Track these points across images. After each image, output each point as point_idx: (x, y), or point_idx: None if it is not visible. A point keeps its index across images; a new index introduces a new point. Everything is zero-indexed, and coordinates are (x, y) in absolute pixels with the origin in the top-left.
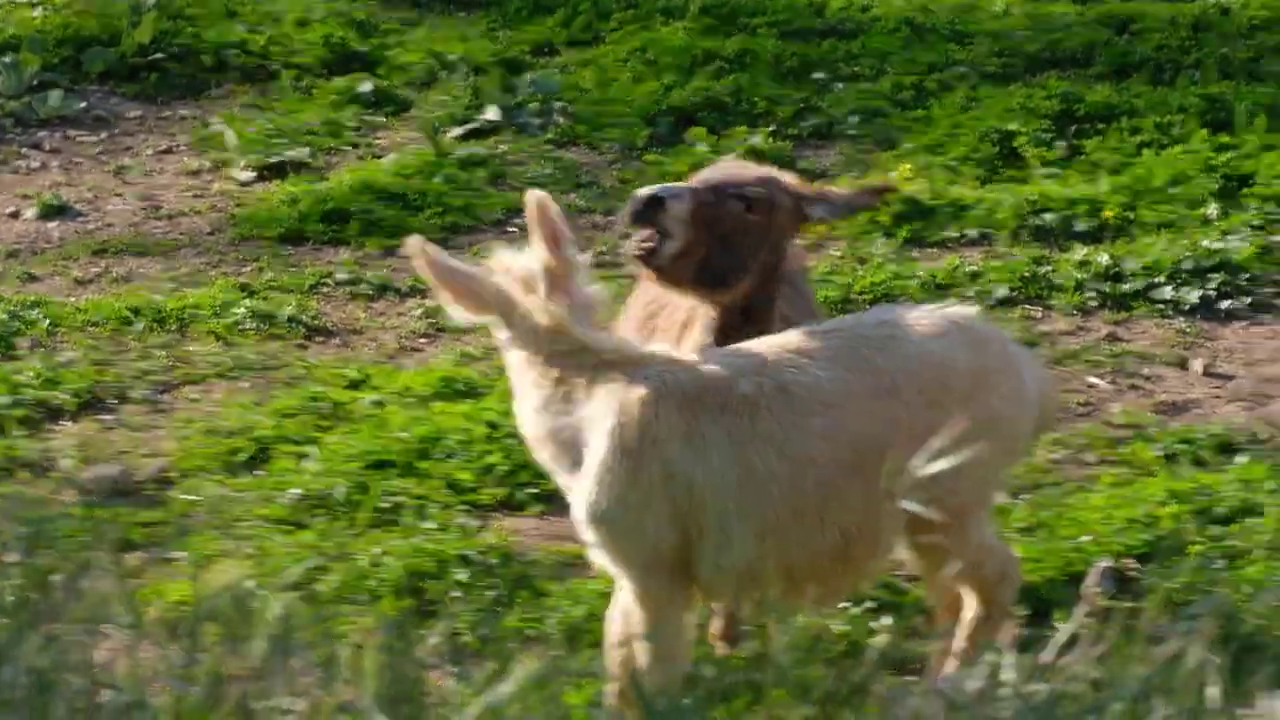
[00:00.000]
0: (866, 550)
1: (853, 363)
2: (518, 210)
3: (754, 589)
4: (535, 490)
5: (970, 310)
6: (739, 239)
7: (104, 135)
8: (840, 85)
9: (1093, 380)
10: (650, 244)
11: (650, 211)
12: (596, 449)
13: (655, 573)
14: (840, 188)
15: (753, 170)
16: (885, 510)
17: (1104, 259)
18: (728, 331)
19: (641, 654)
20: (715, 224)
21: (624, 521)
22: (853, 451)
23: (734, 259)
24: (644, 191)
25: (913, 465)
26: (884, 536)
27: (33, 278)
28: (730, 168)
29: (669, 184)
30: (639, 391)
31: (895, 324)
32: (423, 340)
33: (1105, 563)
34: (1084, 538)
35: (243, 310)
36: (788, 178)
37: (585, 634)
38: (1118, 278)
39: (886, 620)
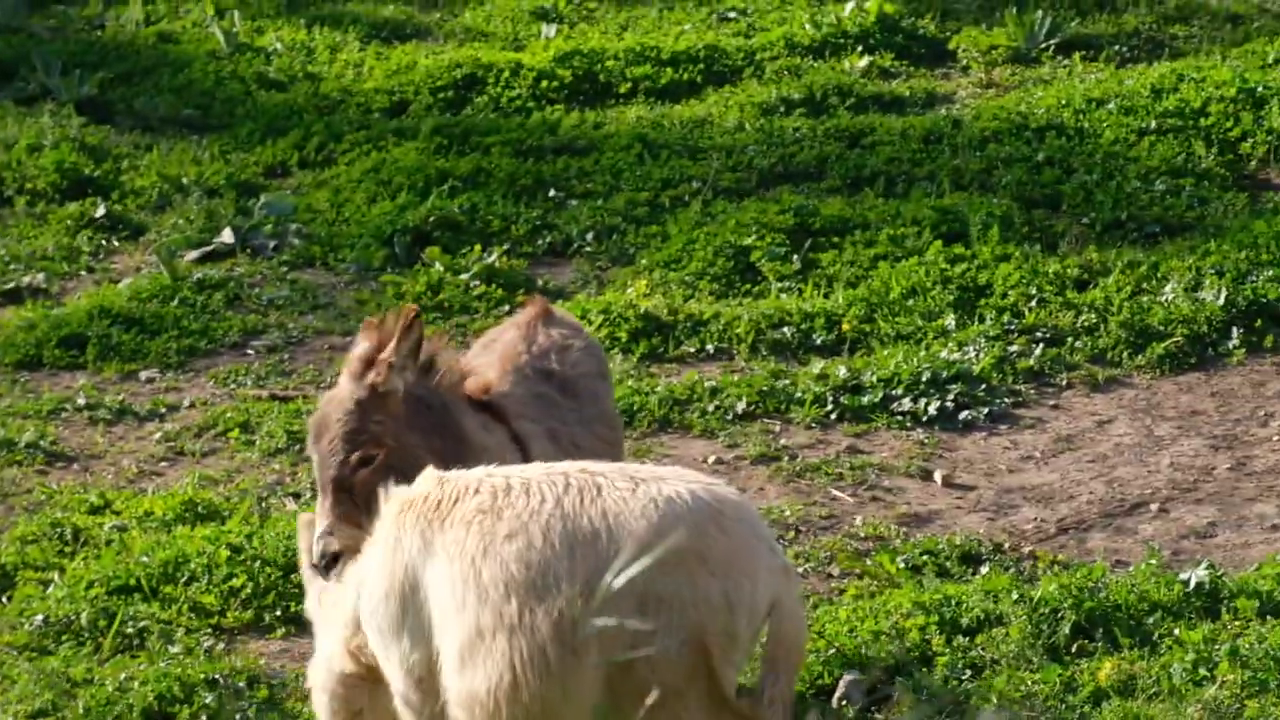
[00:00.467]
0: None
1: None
2: (255, 332)
3: None
4: (279, 613)
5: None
6: (373, 484)
7: None
8: (574, 202)
9: (835, 493)
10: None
11: (329, 564)
12: None
13: None
14: (390, 345)
15: (334, 419)
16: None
17: (842, 372)
18: None
19: None
20: (360, 500)
21: None
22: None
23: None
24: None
25: None
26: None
27: None
28: (323, 438)
29: (317, 528)
30: None
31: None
32: (163, 464)
33: (852, 675)
34: (830, 651)
35: None
36: (350, 387)
37: None
38: (856, 390)
39: None
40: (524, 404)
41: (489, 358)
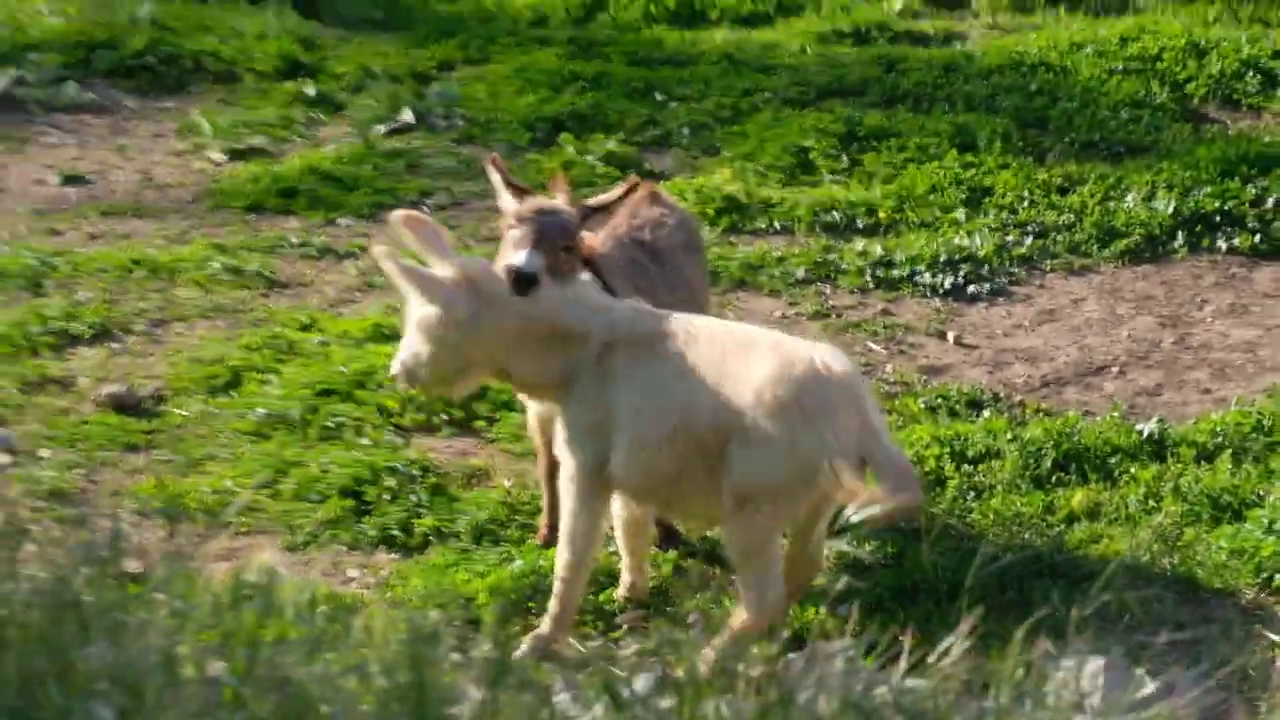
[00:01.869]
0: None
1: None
2: (428, 193)
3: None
4: (446, 417)
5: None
6: (568, 267)
7: (108, 120)
8: (674, 104)
9: (871, 346)
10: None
11: (523, 284)
12: None
13: None
14: (601, 196)
15: (561, 214)
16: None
17: (878, 250)
18: None
19: None
20: (556, 270)
21: None
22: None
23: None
24: (514, 267)
25: None
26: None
27: (55, 232)
28: (545, 214)
29: (523, 254)
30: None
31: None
32: (357, 293)
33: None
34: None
35: (218, 264)
36: (565, 203)
37: (487, 532)
38: (889, 265)
39: None
40: (617, 264)
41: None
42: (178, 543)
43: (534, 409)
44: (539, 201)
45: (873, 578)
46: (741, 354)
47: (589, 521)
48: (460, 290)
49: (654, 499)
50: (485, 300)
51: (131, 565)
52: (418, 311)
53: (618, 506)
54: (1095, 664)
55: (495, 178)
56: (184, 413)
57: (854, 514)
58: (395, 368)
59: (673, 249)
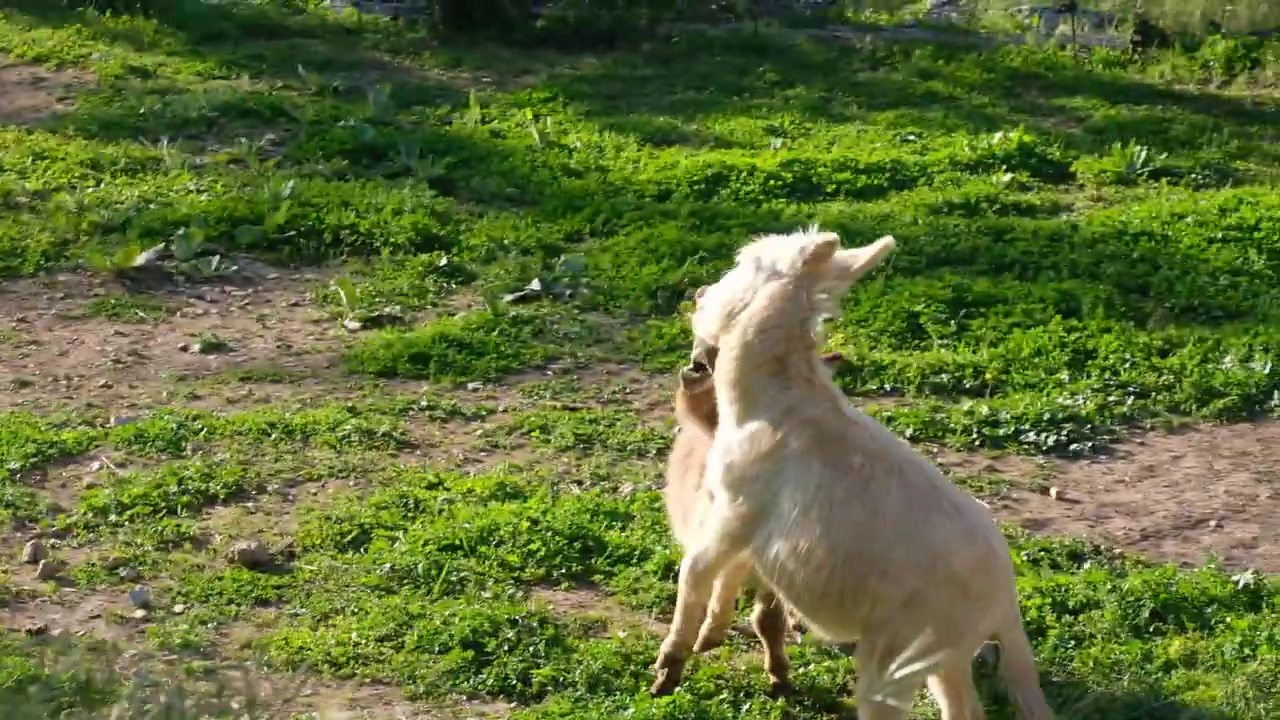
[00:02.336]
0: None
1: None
2: (553, 358)
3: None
4: (564, 570)
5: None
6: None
7: (250, 291)
8: None
9: (977, 501)
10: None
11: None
12: None
13: None
14: None
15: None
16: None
17: (984, 410)
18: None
19: None
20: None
21: None
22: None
23: None
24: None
25: None
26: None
27: (196, 397)
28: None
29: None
30: None
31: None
32: (482, 454)
33: (988, 642)
34: None
35: (350, 427)
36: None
37: (602, 681)
38: (995, 424)
39: None
40: None
41: None
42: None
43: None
44: None
45: None
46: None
47: None
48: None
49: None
50: None
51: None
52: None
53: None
54: None
55: None
56: (313, 568)
57: None
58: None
59: None
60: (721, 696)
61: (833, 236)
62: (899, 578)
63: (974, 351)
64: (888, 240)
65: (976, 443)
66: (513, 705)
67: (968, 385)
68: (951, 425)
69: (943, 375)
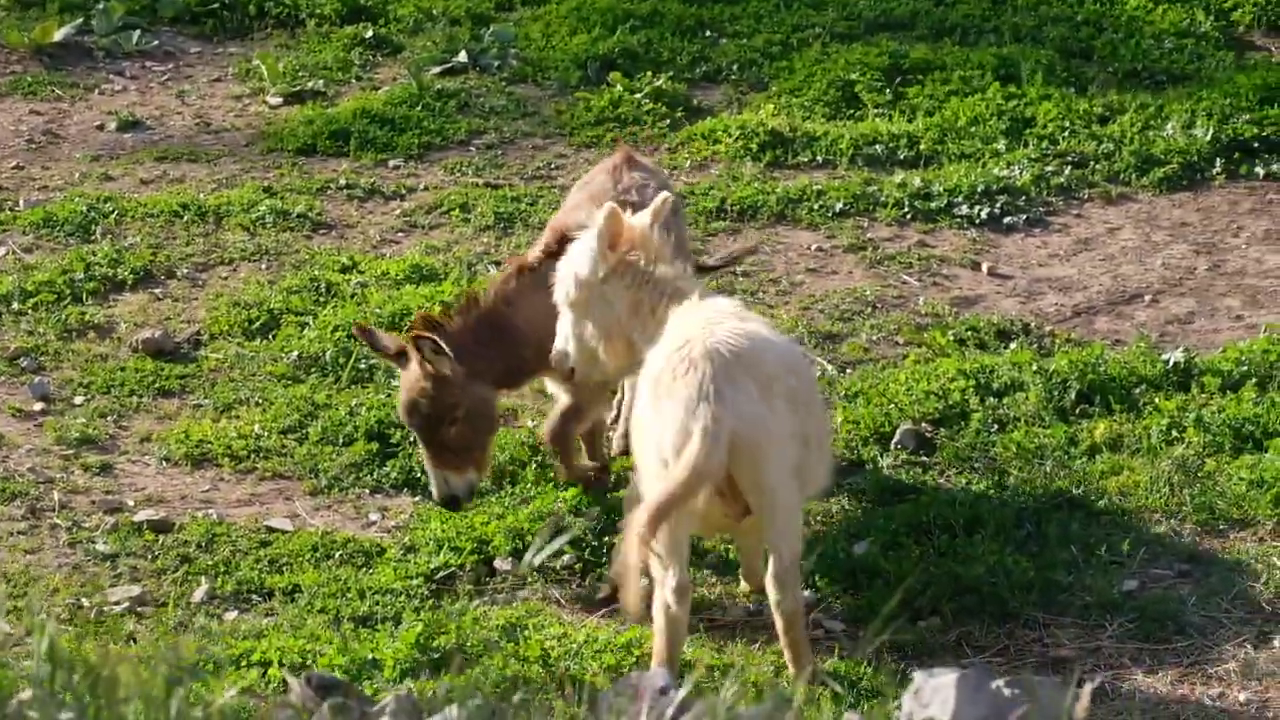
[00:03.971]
0: None
1: None
2: (478, 133)
3: None
4: None
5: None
6: (469, 425)
7: (170, 67)
8: (724, 40)
9: (905, 278)
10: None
11: (457, 505)
12: None
13: None
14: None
15: (412, 393)
16: None
17: (917, 182)
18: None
19: None
20: (461, 444)
21: None
22: None
23: (478, 426)
24: (437, 500)
25: None
26: None
27: (109, 178)
28: (411, 410)
29: (430, 475)
30: None
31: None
32: (400, 234)
33: (906, 425)
34: (890, 405)
35: (265, 208)
36: (414, 371)
37: (508, 473)
38: (927, 196)
39: None
40: None
41: (581, 195)
42: None
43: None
44: None
45: (891, 513)
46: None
47: None
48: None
49: None
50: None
51: None
52: (569, 288)
53: None
54: (945, 679)
55: None
56: (219, 356)
57: None
58: (554, 354)
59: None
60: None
61: (610, 207)
62: None
63: (910, 121)
64: (663, 195)
65: (908, 216)
66: (416, 499)
67: (902, 156)
68: (883, 199)
69: (876, 146)
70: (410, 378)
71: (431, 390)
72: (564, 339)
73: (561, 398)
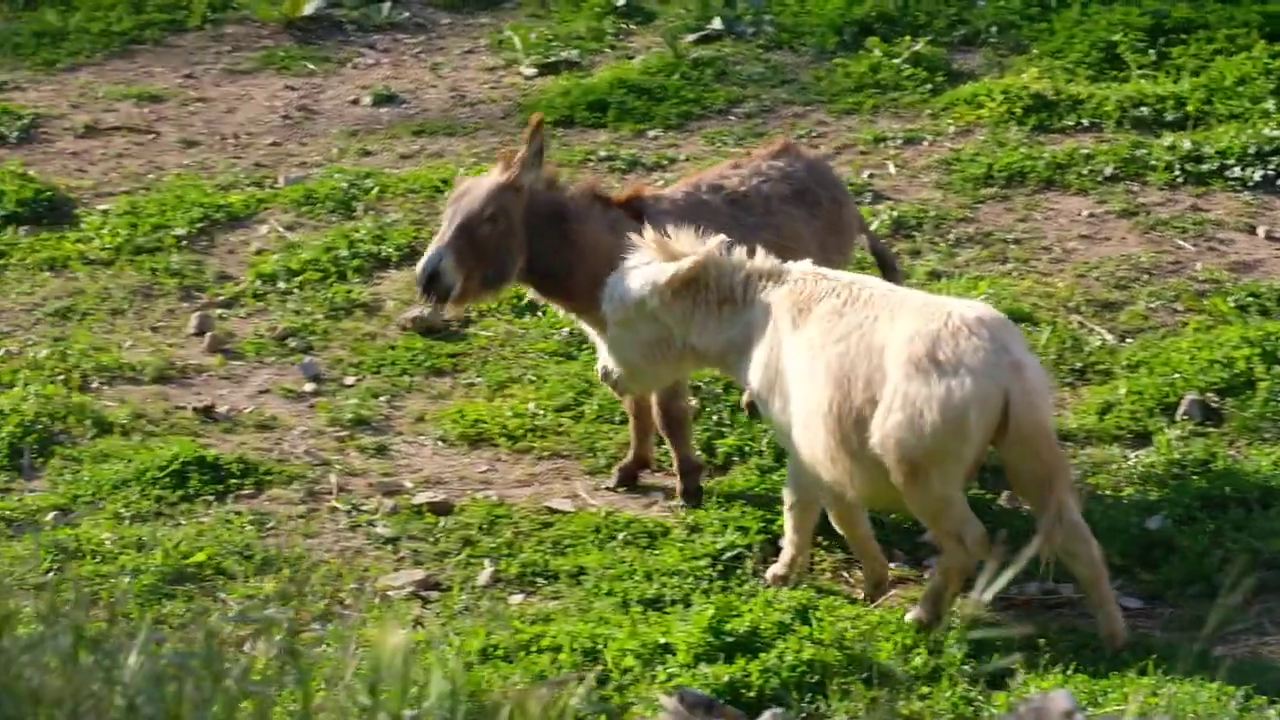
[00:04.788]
0: None
1: None
2: (736, 101)
3: None
4: None
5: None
6: (498, 244)
7: (422, 39)
8: (983, 2)
9: (1180, 243)
10: (432, 303)
11: (432, 283)
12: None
13: None
14: (520, 149)
15: (478, 190)
16: None
17: (1187, 144)
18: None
19: None
20: (478, 251)
21: None
22: None
23: (501, 258)
24: (418, 271)
25: None
26: None
27: (367, 153)
28: (465, 198)
29: (430, 249)
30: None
31: None
32: None
33: (1192, 395)
34: (1175, 375)
35: None
36: (495, 176)
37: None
38: (1198, 159)
39: None
40: (673, 205)
41: (727, 165)
42: None
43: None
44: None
45: (1183, 486)
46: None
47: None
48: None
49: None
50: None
51: None
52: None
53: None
54: None
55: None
56: (489, 334)
57: None
58: (600, 373)
59: (769, 198)
60: None
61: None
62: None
63: (1175, 82)
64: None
65: (1179, 180)
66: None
67: (1169, 118)
68: (1153, 161)
69: (1143, 108)
70: (486, 178)
71: (498, 188)
72: (607, 356)
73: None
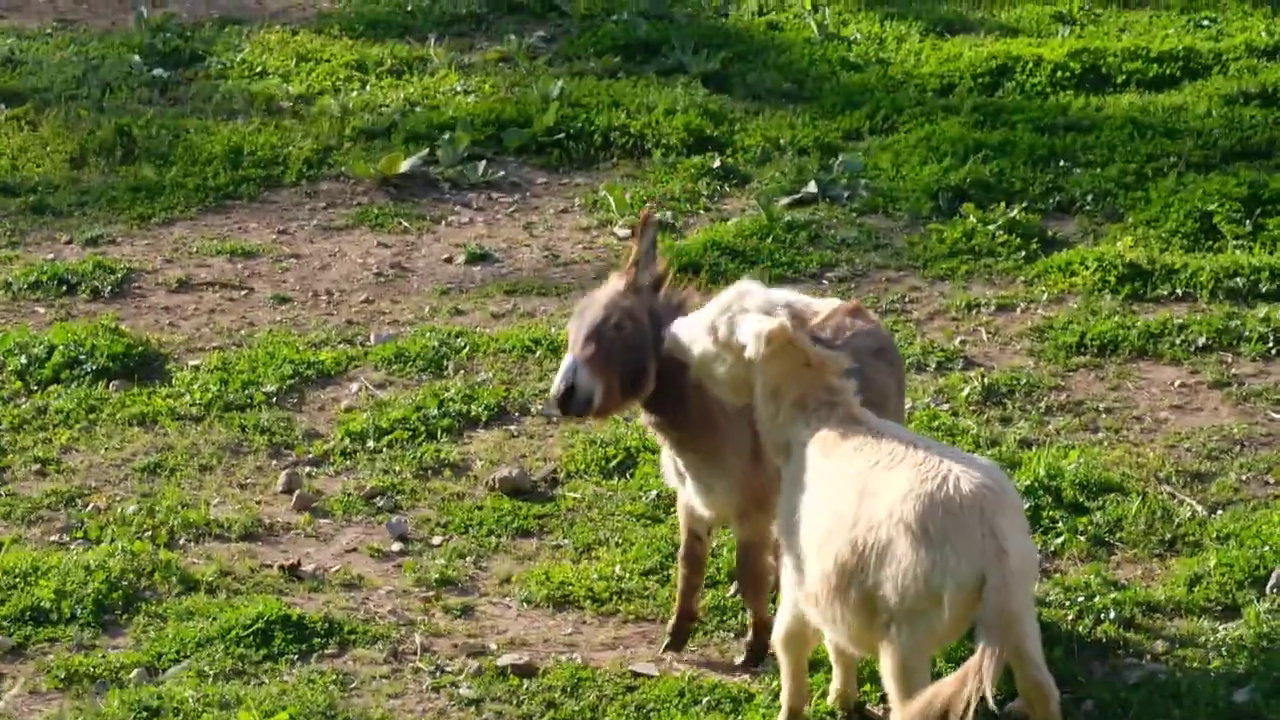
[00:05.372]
0: None
1: None
2: (829, 265)
3: None
4: None
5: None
6: (628, 346)
7: (517, 198)
8: (1078, 170)
9: (1273, 415)
10: (572, 419)
11: (569, 397)
12: None
13: None
14: (633, 248)
15: (599, 299)
16: None
17: None
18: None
19: None
20: (610, 357)
21: None
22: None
23: (635, 359)
24: (554, 390)
25: None
26: None
27: (459, 312)
28: (587, 311)
29: (563, 365)
30: None
31: None
32: None
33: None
34: (1266, 547)
35: None
36: (613, 283)
37: None
38: None
39: None
40: None
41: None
42: None
43: (683, 499)
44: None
45: (1271, 659)
46: (889, 467)
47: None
48: None
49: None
50: None
51: None
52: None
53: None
54: None
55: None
56: (576, 496)
57: None
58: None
59: (859, 352)
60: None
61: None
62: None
63: (1271, 253)
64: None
65: (1273, 351)
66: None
67: (1264, 289)
68: (1246, 333)
69: (1237, 279)
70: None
71: (618, 293)
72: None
73: (735, 531)
